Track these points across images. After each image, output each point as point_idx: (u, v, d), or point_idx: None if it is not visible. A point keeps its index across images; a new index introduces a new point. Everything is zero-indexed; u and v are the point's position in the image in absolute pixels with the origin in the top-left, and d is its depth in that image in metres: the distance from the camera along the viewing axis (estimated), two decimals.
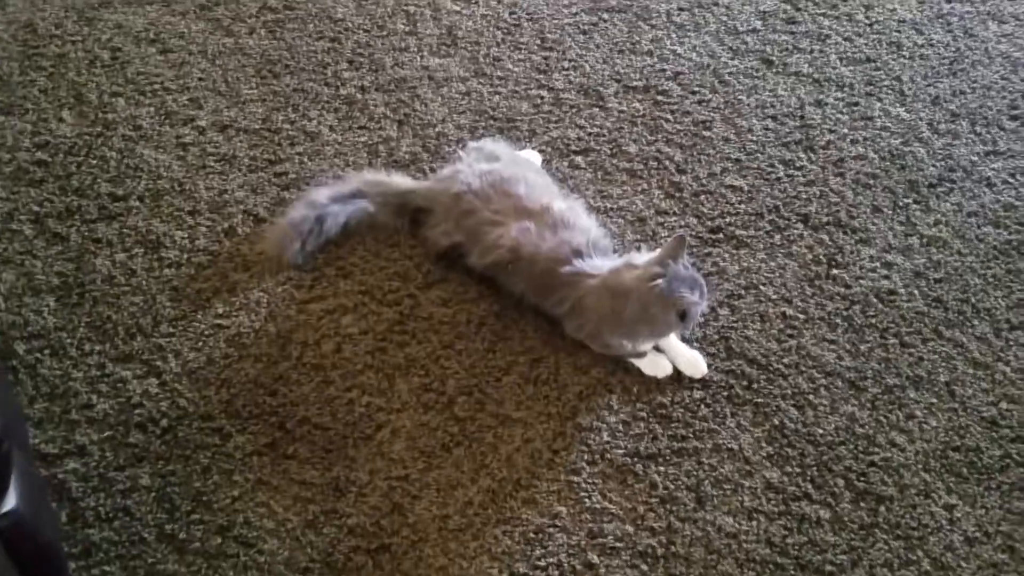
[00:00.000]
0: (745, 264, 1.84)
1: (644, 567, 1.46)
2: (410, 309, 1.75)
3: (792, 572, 1.46)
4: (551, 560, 1.46)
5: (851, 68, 2.20)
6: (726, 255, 1.85)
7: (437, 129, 2.03)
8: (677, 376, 1.67)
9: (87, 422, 1.60)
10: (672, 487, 1.55)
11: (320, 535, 1.49)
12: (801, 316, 1.76)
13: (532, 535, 1.49)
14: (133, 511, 1.50)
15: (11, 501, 1.22)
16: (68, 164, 1.96)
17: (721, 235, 1.88)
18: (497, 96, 2.10)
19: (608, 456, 1.58)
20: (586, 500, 1.53)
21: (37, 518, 1.29)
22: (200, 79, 2.12)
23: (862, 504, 1.54)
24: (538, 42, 2.23)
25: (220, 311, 1.73)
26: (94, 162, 1.96)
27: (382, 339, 1.71)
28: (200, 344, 1.69)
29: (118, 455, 1.56)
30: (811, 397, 1.66)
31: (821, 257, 1.85)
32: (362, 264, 1.81)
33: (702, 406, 1.64)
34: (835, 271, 1.83)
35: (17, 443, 1.34)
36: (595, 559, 1.47)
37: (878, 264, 1.84)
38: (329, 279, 1.78)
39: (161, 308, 1.74)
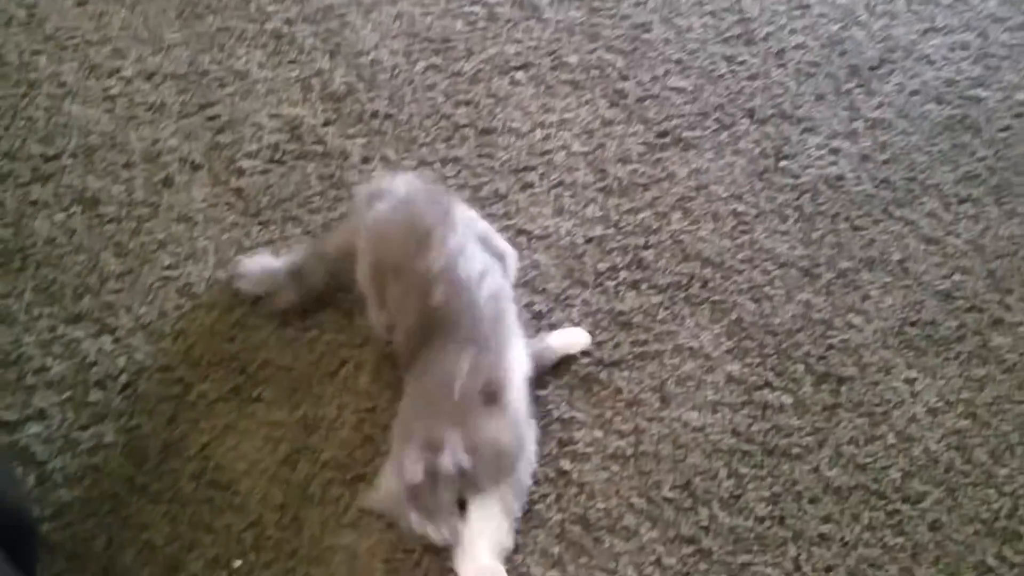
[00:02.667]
0: (694, 166, 1.83)
1: (615, 467, 1.49)
2: None
3: (760, 457, 1.49)
4: None
5: None
6: (675, 159, 1.84)
7: (370, 56, 1.98)
8: (635, 285, 1.67)
9: (44, 385, 1.57)
10: (637, 390, 1.56)
11: (295, 471, 1.49)
12: (752, 211, 1.76)
13: None
14: (102, 467, 1.49)
15: None
16: None
17: (669, 139, 1.86)
18: (429, 16, 2.05)
19: (572, 367, 1.59)
20: (554, 411, 1.54)
21: None
22: (121, 28, 2.04)
23: (823, 387, 1.57)
24: None
25: (167, 263, 1.70)
26: (21, 124, 1.89)
27: None
28: (151, 298, 1.66)
29: (79, 415, 1.54)
30: (767, 289, 1.67)
31: (768, 150, 1.84)
32: (310, 206, 1.77)
33: (660, 310, 1.65)
34: (783, 163, 1.82)
35: None
36: (567, 466, 1.49)
37: (825, 151, 1.84)
38: (278, 223, 1.75)
39: (106, 265, 1.70)
